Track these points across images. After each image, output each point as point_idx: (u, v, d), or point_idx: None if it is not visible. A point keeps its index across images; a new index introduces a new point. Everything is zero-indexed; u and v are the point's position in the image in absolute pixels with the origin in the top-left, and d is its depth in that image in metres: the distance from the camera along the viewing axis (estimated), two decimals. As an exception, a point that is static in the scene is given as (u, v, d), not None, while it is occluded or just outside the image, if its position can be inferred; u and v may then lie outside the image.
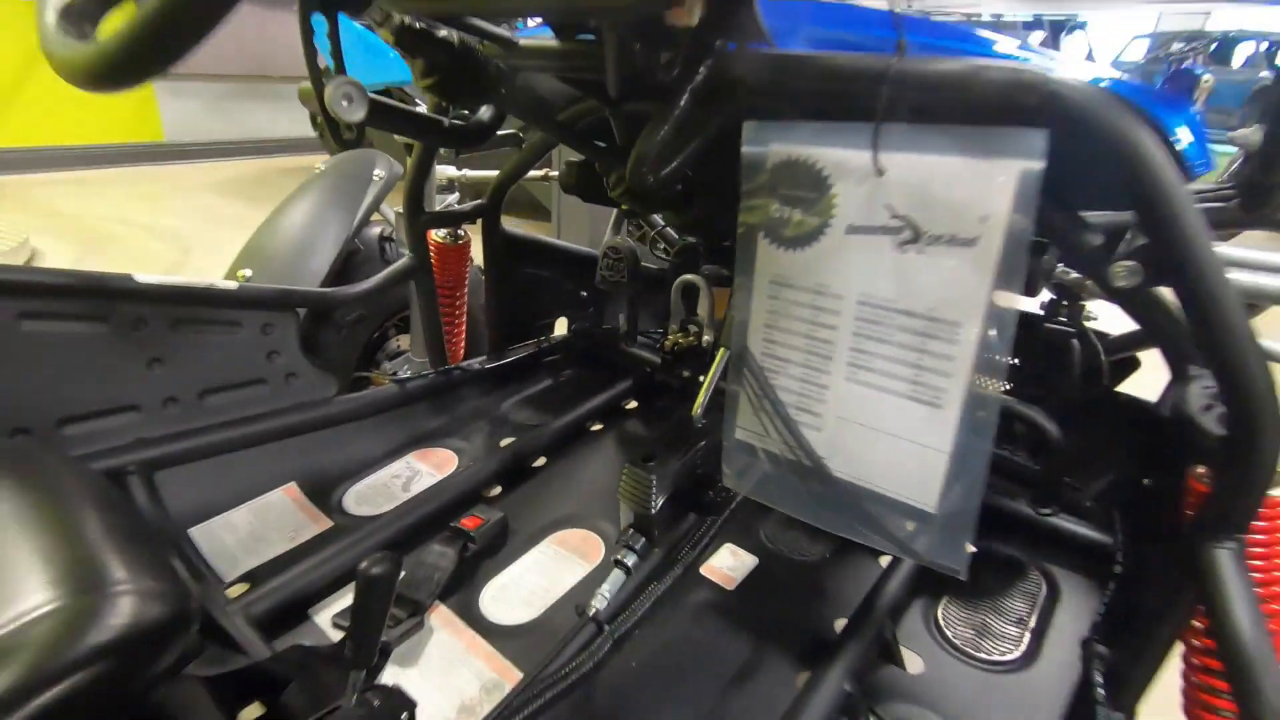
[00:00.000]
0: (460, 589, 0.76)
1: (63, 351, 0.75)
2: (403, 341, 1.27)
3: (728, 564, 0.79)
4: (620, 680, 0.64)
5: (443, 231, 1.02)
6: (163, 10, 0.34)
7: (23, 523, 0.54)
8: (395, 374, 1.21)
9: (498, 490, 0.93)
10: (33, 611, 0.46)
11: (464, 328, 1.14)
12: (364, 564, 0.50)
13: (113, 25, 0.49)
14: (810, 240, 0.48)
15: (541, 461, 0.99)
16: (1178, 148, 0.43)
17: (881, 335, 0.47)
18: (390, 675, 0.65)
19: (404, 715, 0.52)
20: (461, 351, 1.16)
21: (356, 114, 0.56)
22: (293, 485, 0.90)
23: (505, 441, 1.00)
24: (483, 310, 1.19)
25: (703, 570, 0.78)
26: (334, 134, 0.59)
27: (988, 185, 0.40)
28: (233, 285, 0.86)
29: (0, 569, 0.50)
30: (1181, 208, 0.39)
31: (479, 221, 1.07)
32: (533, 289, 1.19)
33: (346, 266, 1.12)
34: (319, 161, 1.26)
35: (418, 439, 1.01)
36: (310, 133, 4.71)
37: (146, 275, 0.80)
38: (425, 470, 0.96)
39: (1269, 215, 0.66)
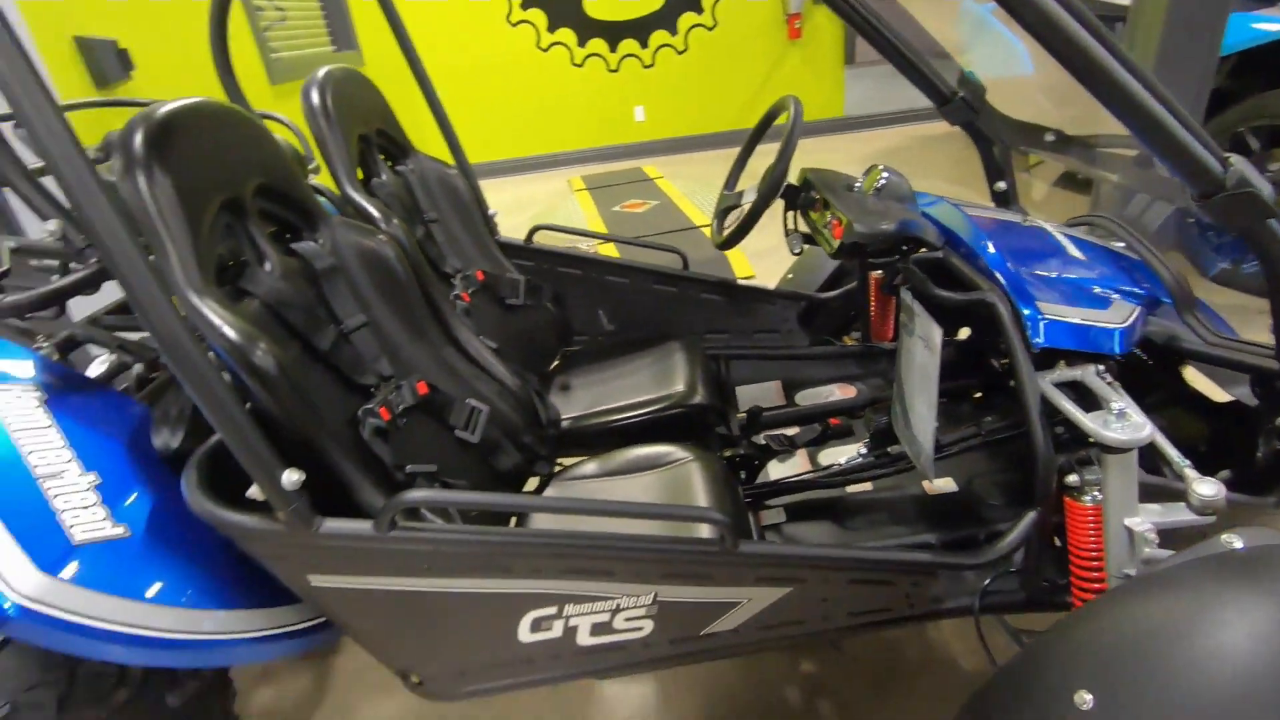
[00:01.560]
0: (810, 447, 1.68)
1: (707, 308, 1.95)
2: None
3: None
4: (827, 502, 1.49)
5: (879, 272, 1.84)
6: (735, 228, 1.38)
7: (681, 361, 1.73)
8: (856, 337, 2.09)
9: (866, 410, 1.77)
10: (672, 393, 1.62)
11: (892, 321, 1.94)
12: (764, 432, 1.50)
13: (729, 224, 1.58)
14: (909, 334, 1.20)
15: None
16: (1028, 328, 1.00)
17: (917, 378, 1.17)
18: (773, 464, 1.64)
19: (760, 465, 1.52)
20: (890, 334, 1.96)
21: (798, 248, 1.51)
22: (778, 382, 1.95)
23: (881, 392, 1.81)
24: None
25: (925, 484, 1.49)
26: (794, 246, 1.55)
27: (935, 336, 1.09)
28: (770, 287, 1.92)
29: (666, 375, 1.69)
30: (1020, 366, 1.00)
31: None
32: None
33: (839, 276, 2.04)
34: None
35: (842, 378, 1.92)
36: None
37: (743, 280, 1.93)
38: (838, 393, 1.87)
39: None
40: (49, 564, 0.86)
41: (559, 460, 1.67)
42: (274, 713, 1.58)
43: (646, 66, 6.10)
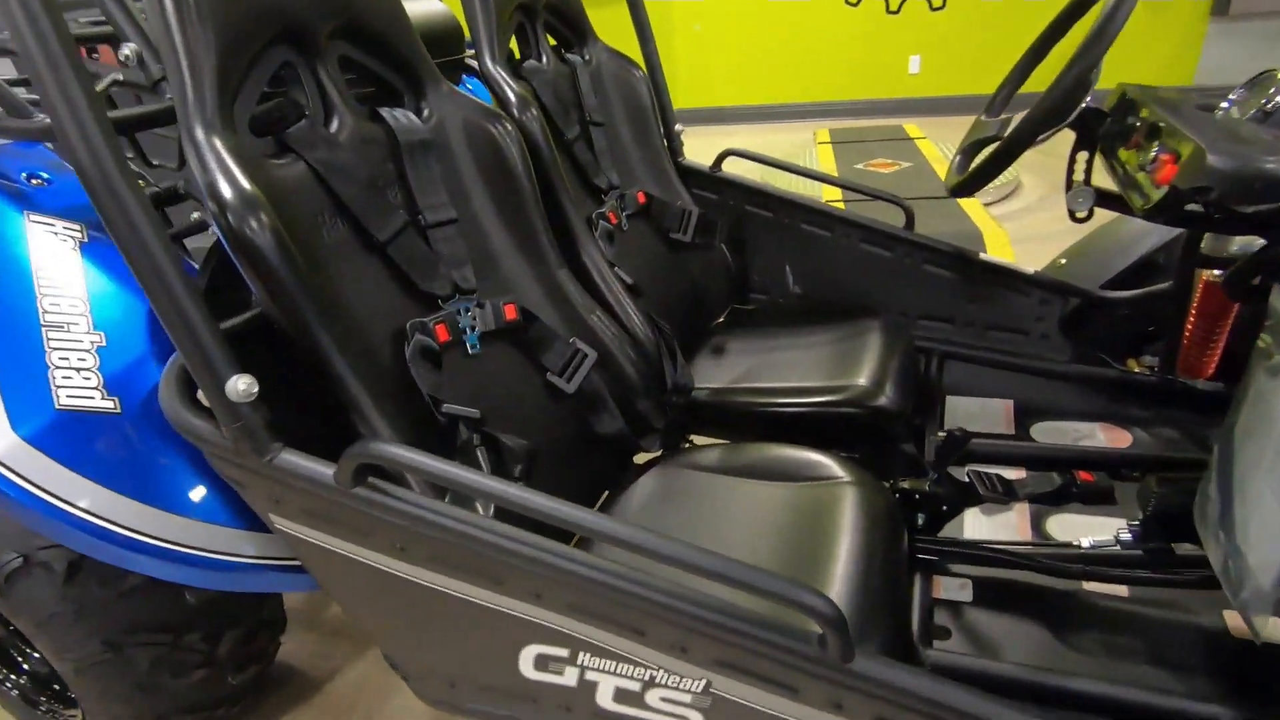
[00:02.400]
0: (1039, 504, 1.15)
1: (929, 284, 1.45)
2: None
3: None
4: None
5: (1217, 272, 1.19)
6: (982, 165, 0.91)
7: (875, 346, 1.28)
8: (1150, 364, 1.44)
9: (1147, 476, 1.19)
10: (849, 385, 1.19)
11: (1219, 349, 1.28)
12: (971, 465, 1.03)
13: (977, 162, 1.07)
14: (1274, 374, 0.67)
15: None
16: None
17: (1276, 447, 0.64)
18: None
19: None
20: (1210, 369, 1.31)
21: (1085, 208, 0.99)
22: (1010, 403, 1.40)
23: (1174, 452, 1.20)
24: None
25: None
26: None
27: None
28: (1030, 270, 1.37)
29: (848, 361, 1.26)
30: None
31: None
32: None
33: (1142, 270, 1.40)
34: None
35: (1111, 417, 1.32)
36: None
37: (987, 255, 1.40)
38: (1100, 436, 1.29)
39: None
40: (24, 425, 0.75)
41: (690, 438, 1.35)
42: (339, 631, 1.50)
43: (935, 9, 5.23)
